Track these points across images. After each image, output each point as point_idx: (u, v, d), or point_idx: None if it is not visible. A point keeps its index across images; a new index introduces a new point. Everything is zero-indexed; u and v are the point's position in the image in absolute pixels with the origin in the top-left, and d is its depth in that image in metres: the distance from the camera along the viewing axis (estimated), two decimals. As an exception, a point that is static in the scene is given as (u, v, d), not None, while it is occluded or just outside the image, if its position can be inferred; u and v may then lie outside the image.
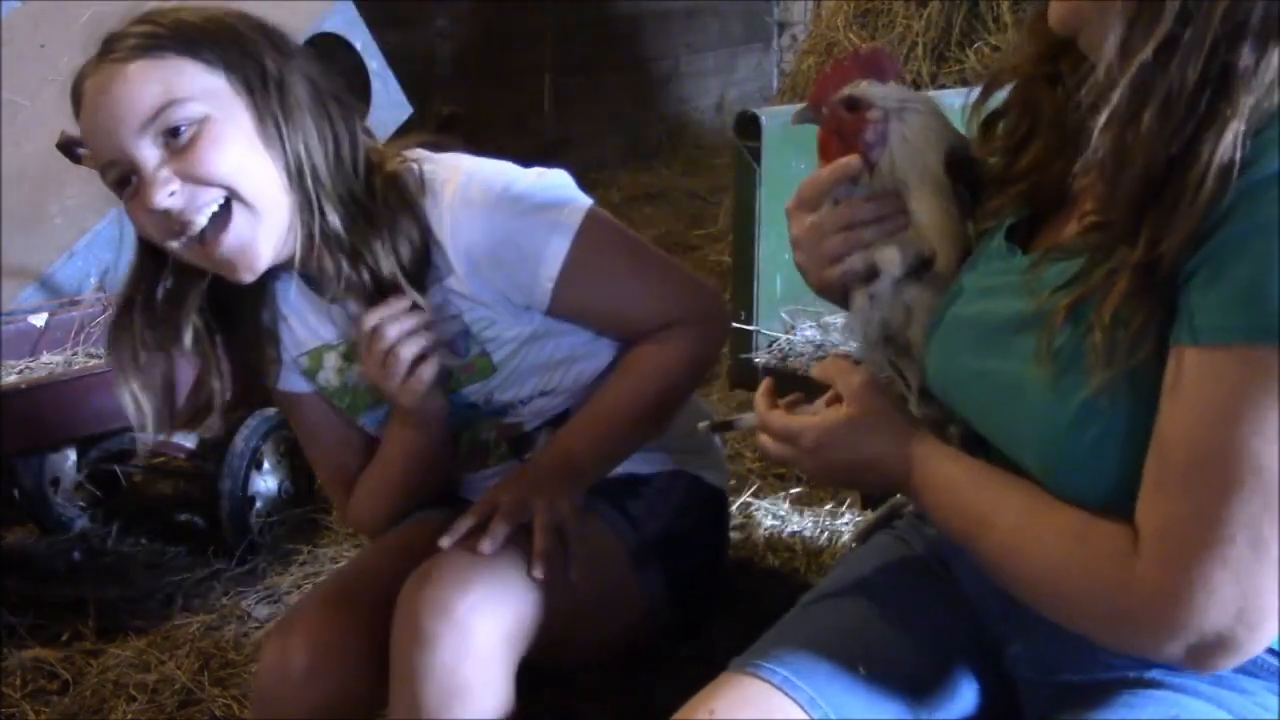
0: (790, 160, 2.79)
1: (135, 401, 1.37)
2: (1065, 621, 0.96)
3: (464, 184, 1.36)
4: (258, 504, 2.60)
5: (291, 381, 1.51)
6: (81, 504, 2.73)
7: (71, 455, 2.69)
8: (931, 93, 3.43)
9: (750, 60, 6.54)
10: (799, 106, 1.12)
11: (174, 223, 1.28)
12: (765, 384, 1.13)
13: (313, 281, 1.43)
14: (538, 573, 1.25)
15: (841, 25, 3.89)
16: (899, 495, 1.33)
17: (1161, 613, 0.86)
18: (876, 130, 1.07)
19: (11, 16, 3.52)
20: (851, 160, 1.08)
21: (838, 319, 2.73)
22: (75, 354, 2.62)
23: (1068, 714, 1.01)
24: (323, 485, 1.56)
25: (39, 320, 2.63)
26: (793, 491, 2.52)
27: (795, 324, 2.57)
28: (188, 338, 1.37)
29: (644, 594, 1.40)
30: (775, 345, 2.51)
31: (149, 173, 1.27)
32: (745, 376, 2.43)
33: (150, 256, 1.39)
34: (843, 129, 1.08)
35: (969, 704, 1.11)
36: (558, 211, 1.37)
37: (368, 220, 1.33)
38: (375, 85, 3.46)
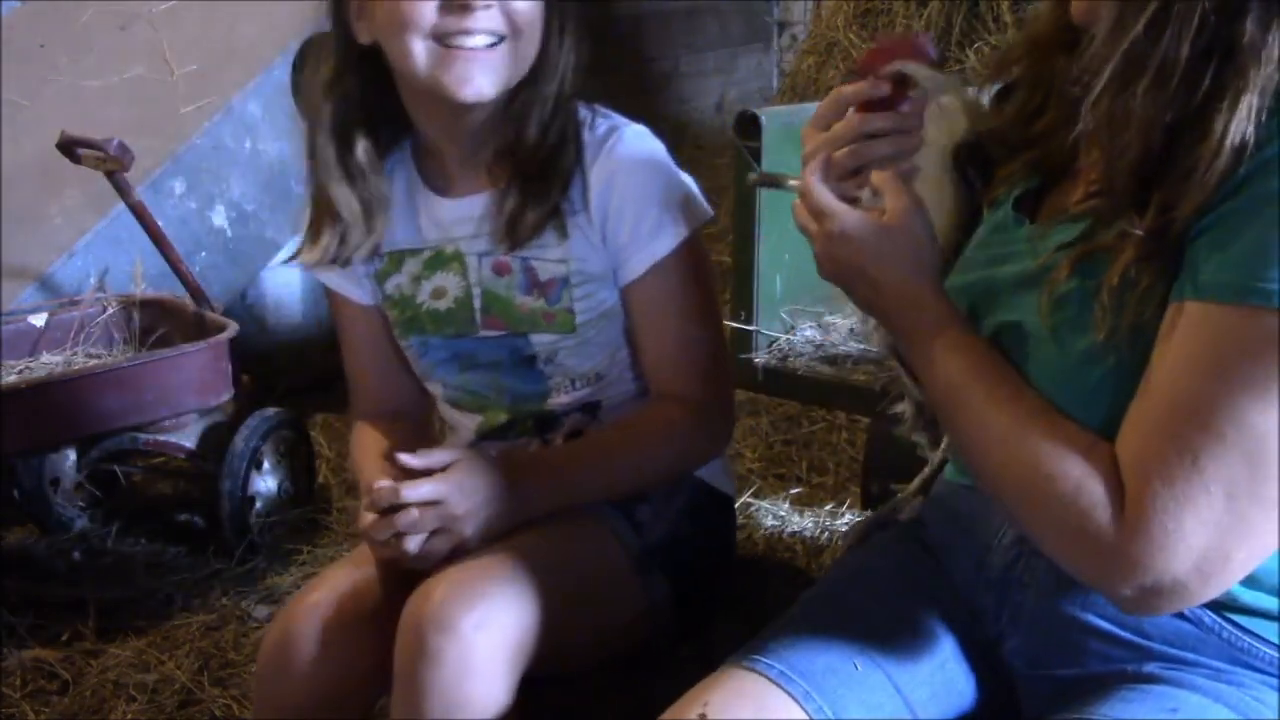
0: (790, 160, 2.79)
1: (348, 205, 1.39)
2: (1029, 524, 0.96)
3: (626, 136, 1.40)
4: (258, 504, 2.60)
5: (350, 289, 1.51)
6: (81, 504, 2.73)
7: (71, 455, 2.69)
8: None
9: (750, 60, 6.53)
10: (855, 77, 1.10)
11: (456, 24, 1.29)
12: (820, 159, 1.06)
13: (431, 177, 1.44)
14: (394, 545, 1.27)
15: (841, 25, 3.89)
16: (897, 498, 1.33)
17: (1125, 547, 0.87)
18: (916, 108, 1.08)
19: (11, 16, 3.52)
20: (879, 85, 1.06)
21: (837, 319, 2.73)
22: (75, 354, 2.62)
23: (1065, 708, 1.02)
24: (349, 391, 1.59)
25: (39, 320, 2.63)
26: (793, 492, 2.52)
27: (795, 324, 2.57)
28: (360, 149, 1.39)
29: (647, 599, 1.39)
30: (775, 345, 2.51)
31: None
32: (745, 377, 2.43)
33: (357, 72, 1.39)
34: (886, 102, 1.08)
35: (966, 699, 1.11)
36: (691, 203, 1.42)
37: (555, 139, 1.37)
38: (375, 85, 3.46)
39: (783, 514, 2.40)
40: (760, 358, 2.46)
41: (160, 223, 2.67)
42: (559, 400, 1.46)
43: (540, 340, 1.43)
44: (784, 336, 2.55)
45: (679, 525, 1.44)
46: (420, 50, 1.30)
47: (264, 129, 3.22)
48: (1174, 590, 0.87)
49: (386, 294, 1.49)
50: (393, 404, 1.56)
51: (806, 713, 1.02)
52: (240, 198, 3.17)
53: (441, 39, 1.29)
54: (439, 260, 1.44)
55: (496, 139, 1.38)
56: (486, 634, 1.18)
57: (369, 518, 1.29)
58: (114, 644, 2.24)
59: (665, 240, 1.39)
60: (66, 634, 2.27)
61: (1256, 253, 0.84)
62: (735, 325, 2.44)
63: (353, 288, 1.52)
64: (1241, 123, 0.85)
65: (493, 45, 1.31)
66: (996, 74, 1.14)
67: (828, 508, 2.44)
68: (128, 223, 2.77)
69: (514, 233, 1.37)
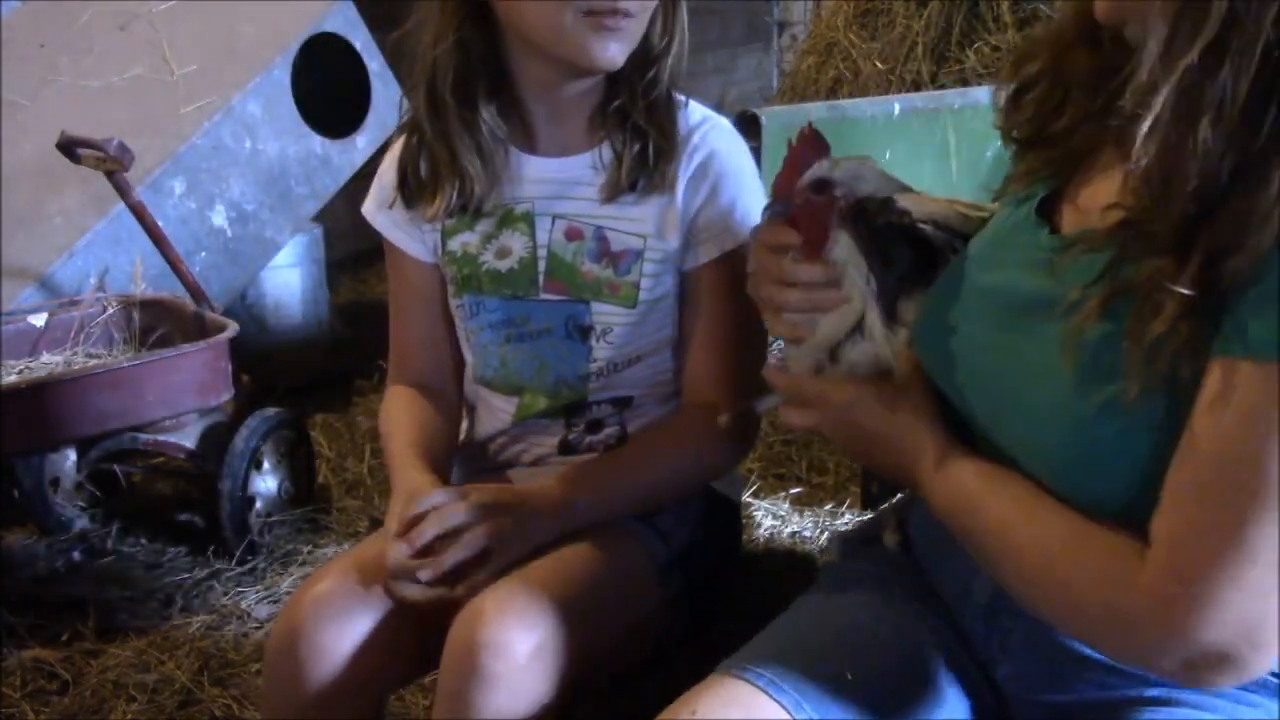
0: (790, 160, 2.78)
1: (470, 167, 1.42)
2: (1061, 624, 0.95)
3: (722, 124, 1.46)
4: (258, 504, 2.60)
5: (410, 245, 1.51)
6: (81, 504, 2.73)
7: (71, 455, 2.69)
8: (932, 92, 3.43)
9: (750, 60, 6.54)
10: (779, 204, 1.16)
11: (608, 1, 1.32)
12: (779, 359, 1.12)
13: (515, 135, 1.45)
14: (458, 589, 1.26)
15: (841, 25, 3.89)
16: (880, 513, 1.31)
17: (1163, 622, 0.85)
18: (842, 207, 1.14)
19: (11, 16, 3.52)
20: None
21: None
22: (75, 354, 2.62)
23: None
24: (389, 355, 1.59)
25: (39, 320, 2.63)
26: (793, 492, 2.52)
27: (795, 324, 2.56)
28: (480, 102, 1.41)
29: (667, 607, 1.39)
30: (775, 344, 2.51)
31: None
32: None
33: (478, 30, 1.41)
34: (815, 211, 1.14)
35: (959, 715, 1.10)
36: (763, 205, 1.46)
37: (663, 108, 1.42)
38: (375, 85, 3.47)
39: (783, 514, 2.40)
40: (760, 358, 2.46)
41: (160, 223, 2.67)
42: (597, 385, 1.46)
43: (600, 310, 1.43)
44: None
45: (694, 532, 1.44)
46: (568, 19, 1.32)
47: (264, 129, 3.22)
48: (1223, 661, 0.84)
49: (448, 250, 1.48)
50: (431, 376, 1.54)
51: None
52: (240, 198, 3.17)
53: (588, 10, 1.32)
54: (508, 219, 1.45)
55: (593, 103, 1.42)
56: (541, 660, 1.17)
57: (398, 552, 1.28)
58: (114, 644, 2.25)
59: (741, 232, 1.41)
60: (66, 634, 2.27)
61: None
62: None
63: (412, 243, 1.51)
64: None
65: (629, 17, 1.34)
66: (1016, 70, 1.11)
67: (828, 508, 2.44)
68: (128, 223, 2.77)
69: (610, 188, 1.41)
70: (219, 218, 3.13)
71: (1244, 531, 0.81)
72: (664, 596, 1.38)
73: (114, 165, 2.50)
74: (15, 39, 3.44)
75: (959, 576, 1.10)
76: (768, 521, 2.36)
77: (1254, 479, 0.80)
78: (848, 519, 2.37)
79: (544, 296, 1.45)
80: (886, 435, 1.06)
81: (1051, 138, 1.06)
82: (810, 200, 1.13)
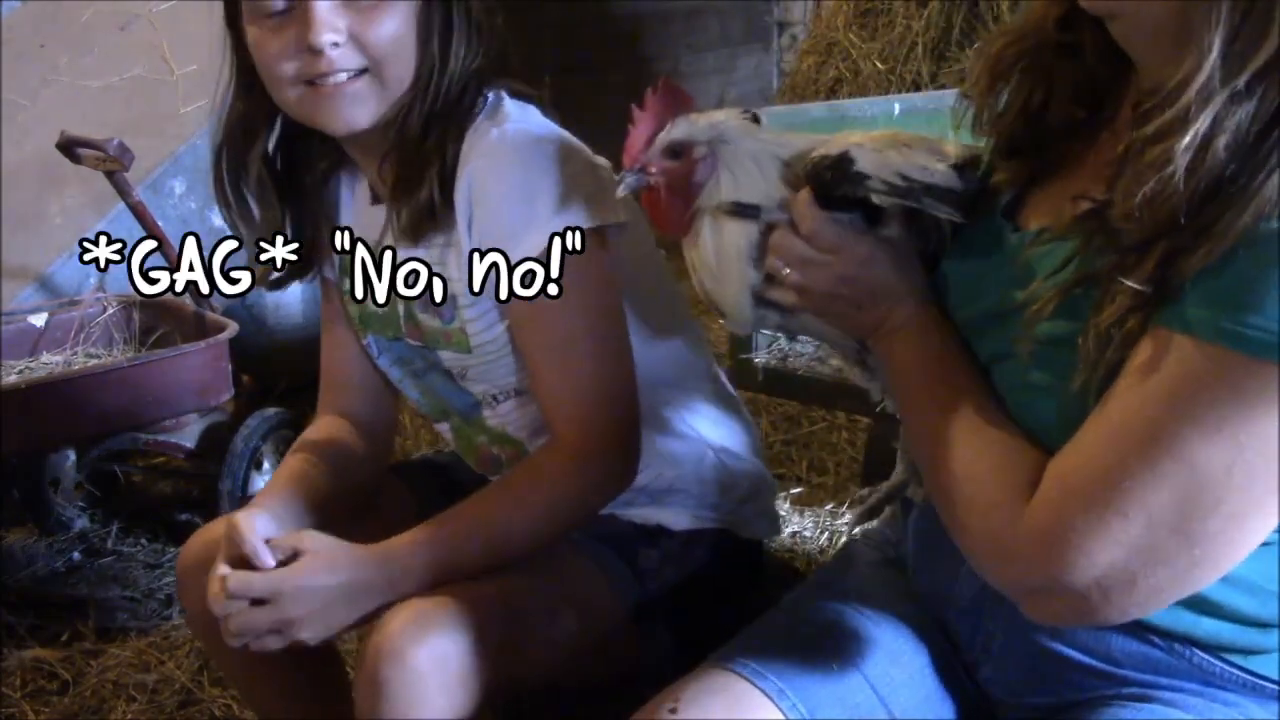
0: (790, 160, 2.79)
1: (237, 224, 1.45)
2: (952, 531, 0.96)
3: (482, 133, 1.27)
4: (258, 504, 2.60)
5: (328, 270, 1.50)
6: (81, 504, 2.73)
7: (71, 455, 2.69)
8: (932, 92, 3.42)
9: (750, 60, 6.53)
10: (631, 175, 1.03)
11: (313, 68, 1.25)
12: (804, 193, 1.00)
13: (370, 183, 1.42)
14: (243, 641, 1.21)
15: (841, 25, 3.89)
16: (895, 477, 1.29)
17: (1026, 550, 0.87)
18: (705, 166, 1.01)
19: (11, 16, 3.52)
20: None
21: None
22: (75, 354, 2.62)
23: None
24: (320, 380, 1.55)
25: (39, 320, 2.63)
26: (793, 492, 2.52)
27: (795, 324, 2.56)
28: (253, 178, 1.42)
29: (646, 647, 1.36)
30: (775, 345, 2.51)
31: (321, 12, 1.23)
32: (746, 376, 2.43)
33: (246, 100, 1.41)
34: (674, 180, 1.01)
35: (946, 712, 1.10)
36: (584, 201, 1.24)
37: (438, 141, 1.29)
38: (375, 85, 3.46)
39: (783, 514, 2.40)
40: (760, 358, 2.45)
41: (160, 223, 2.67)
42: (493, 415, 1.41)
43: (446, 357, 1.38)
44: (784, 336, 2.54)
45: (693, 576, 1.39)
46: (291, 95, 1.29)
47: (264, 129, 3.22)
48: (1071, 600, 0.86)
49: (343, 290, 1.47)
50: (358, 402, 1.50)
51: (780, 710, 1.00)
52: (240, 198, 3.17)
53: (307, 81, 1.27)
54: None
55: (389, 135, 1.31)
56: (443, 670, 1.15)
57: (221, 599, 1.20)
58: (114, 644, 2.25)
59: (530, 242, 1.22)
60: (66, 634, 2.27)
61: (1242, 290, 0.79)
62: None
63: (328, 268, 1.50)
64: (1273, 192, 0.79)
65: (356, 77, 1.26)
66: (993, 83, 1.06)
67: (828, 508, 2.44)
68: (128, 223, 2.77)
69: (404, 232, 1.29)
70: (219, 218, 3.13)
71: (1127, 485, 0.83)
72: (629, 627, 1.34)
73: (114, 165, 2.50)
74: (15, 39, 3.45)
75: (943, 578, 1.10)
76: (768, 521, 2.35)
77: (1149, 441, 0.82)
78: (848, 519, 2.36)
79: (408, 340, 1.41)
80: (876, 288, 1.01)
81: (1028, 146, 1.04)
82: (667, 169, 0.99)
